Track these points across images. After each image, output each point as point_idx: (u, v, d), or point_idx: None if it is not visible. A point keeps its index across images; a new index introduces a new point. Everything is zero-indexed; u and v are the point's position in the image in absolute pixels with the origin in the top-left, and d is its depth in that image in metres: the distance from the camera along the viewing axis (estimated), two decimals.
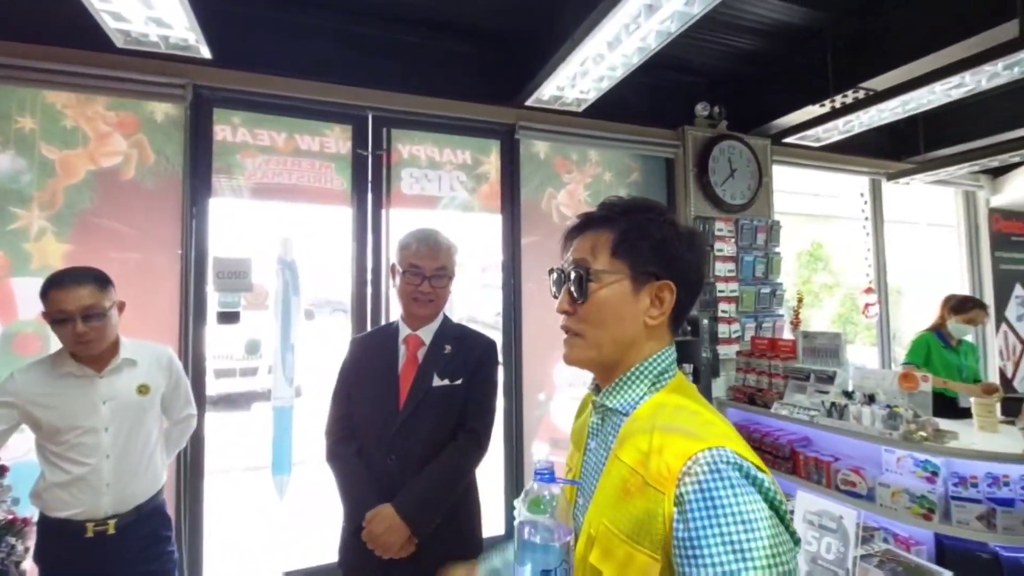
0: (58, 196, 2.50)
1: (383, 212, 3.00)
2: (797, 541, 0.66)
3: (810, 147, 3.87)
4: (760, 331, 3.68)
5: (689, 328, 3.37)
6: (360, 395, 1.44)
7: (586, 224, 0.84)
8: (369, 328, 2.87)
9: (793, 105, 3.35)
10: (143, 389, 1.58)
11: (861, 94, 3.01)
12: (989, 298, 5.01)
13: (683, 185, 3.62)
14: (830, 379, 2.98)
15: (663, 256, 0.79)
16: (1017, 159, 3.65)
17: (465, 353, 1.45)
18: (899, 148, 4.38)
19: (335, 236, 3.03)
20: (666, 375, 0.79)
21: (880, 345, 4.60)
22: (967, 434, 2.56)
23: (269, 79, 2.76)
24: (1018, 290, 5.19)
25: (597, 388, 0.85)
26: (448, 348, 1.45)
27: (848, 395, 2.87)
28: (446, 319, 1.51)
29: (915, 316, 7.35)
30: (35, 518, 1.69)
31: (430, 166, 3.15)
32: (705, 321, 3.40)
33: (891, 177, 4.04)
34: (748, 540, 0.60)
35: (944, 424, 2.61)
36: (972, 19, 2.44)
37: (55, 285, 1.45)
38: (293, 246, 2.89)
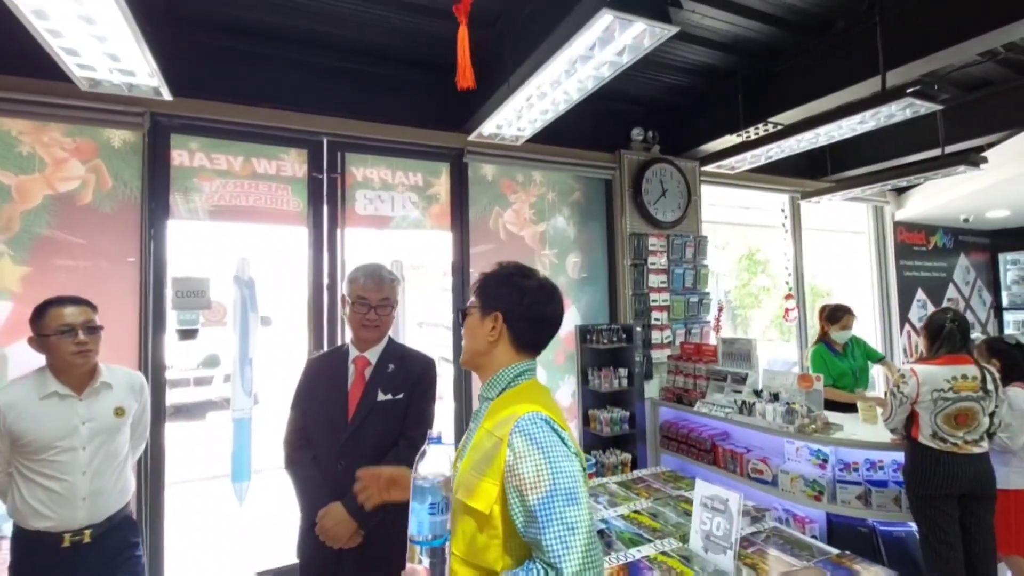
0: (14, 221, 2.57)
1: (338, 231, 3.18)
2: (583, 464, 1.05)
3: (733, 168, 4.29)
4: (689, 336, 4.06)
5: (624, 335, 3.70)
6: (314, 409, 1.66)
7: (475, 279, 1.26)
8: (325, 339, 3.06)
9: (714, 134, 3.73)
10: (119, 411, 1.74)
11: (770, 127, 3.41)
12: (895, 301, 5.61)
13: (620, 204, 3.96)
14: (743, 380, 3.37)
15: (497, 296, 1.17)
16: (916, 181, 4.14)
17: (406, 371, 1.68)
18: (812, 168, 4.87)
19: (292, 254, 3.19)
20: (519, 379, 1.15)
21: (799, 346, 5.10)
22: (853, 426, 2.98)
23: (226, 106, 2.91)
24: (919, 294, 5.82)
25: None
26: (391, 367, 1.68)
27: (758, 394, 3.26)
28: (390, 341, 1.74)
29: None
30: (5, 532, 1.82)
31: (383, 187, 3.35)
32: (639, 328, 3.74)
33: (805, 196, 4.51)
34: (550, 453, 0.99)
35: (834, 417, 3.03)
36: (855, 71, 2.86)
37: (56, 304, 1.65)
38: (250, 265, 3.03)
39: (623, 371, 3.68)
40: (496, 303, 1.17)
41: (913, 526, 2.82)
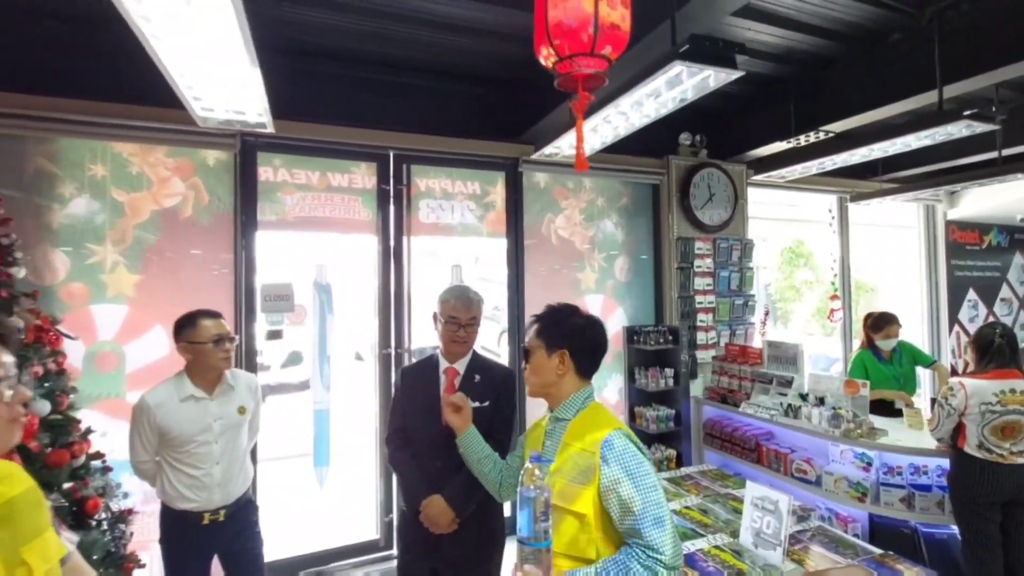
0: (128, 234, 2.91)
1: (404, 239, 3.42)
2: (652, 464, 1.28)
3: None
4: (734, 338, 4.17)
5: (671, 337, 3.85)
6: (412, 413, 1.90)
7: (531, 323, 1.48)
8: (392, 336, 3.33)
9: (764, 140, 3.79)
10: (242, 410, 2.03)
11: (821, 135, 3.46)
12: (944, 301, 5.54)
13: (667, 208, 4.07)
14: (788, 383, 3.48)
15: (560, 337, 1.39)
16: (967, 185, 4.11)
17: (491, 381, 1.91)
18: (863, 168, 4.84)
19: (362, 260, 3.46)
20: (587, 402, 1.39)
21: (843, 346, 5.13)
22: (897, 431, 3.07)
23: (304, 125, 3.16)
24: (970, 294, 5.72)
25: (550, 410, 1.45)
26: (477, 377, 1.90)
27: (803, 397, 3.38)
28: (475, 354, 1.96)
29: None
30: (136, 508, 2.16)
31: (444, 197, 3.57)
32: (685, 330, 3.88)
33: (855, 198, 4.52)
34: (634, 463, 1.22)
35: (879, 423, 3.12)
36: (910, 83, 2.90)
37: (206, 317, 1.95)
38: (327, 271, 3.32)
39: (669, 371, 3.84)
40: (560, 342, 1.38)
41: (955, 529, 2.92)
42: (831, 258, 5.10)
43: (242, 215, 3.07)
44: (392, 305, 3.38)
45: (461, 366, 1.93)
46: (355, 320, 4.56)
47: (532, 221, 3.79)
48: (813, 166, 3.52)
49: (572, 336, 1.38)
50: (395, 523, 1.97)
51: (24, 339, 1.94)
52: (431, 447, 1.84)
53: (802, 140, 3.54)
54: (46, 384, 2.00)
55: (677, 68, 1.65)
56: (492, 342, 5.03)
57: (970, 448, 2.43)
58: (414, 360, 3.31)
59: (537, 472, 1.22)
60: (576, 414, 1.35)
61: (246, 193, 3.09)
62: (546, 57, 1.11)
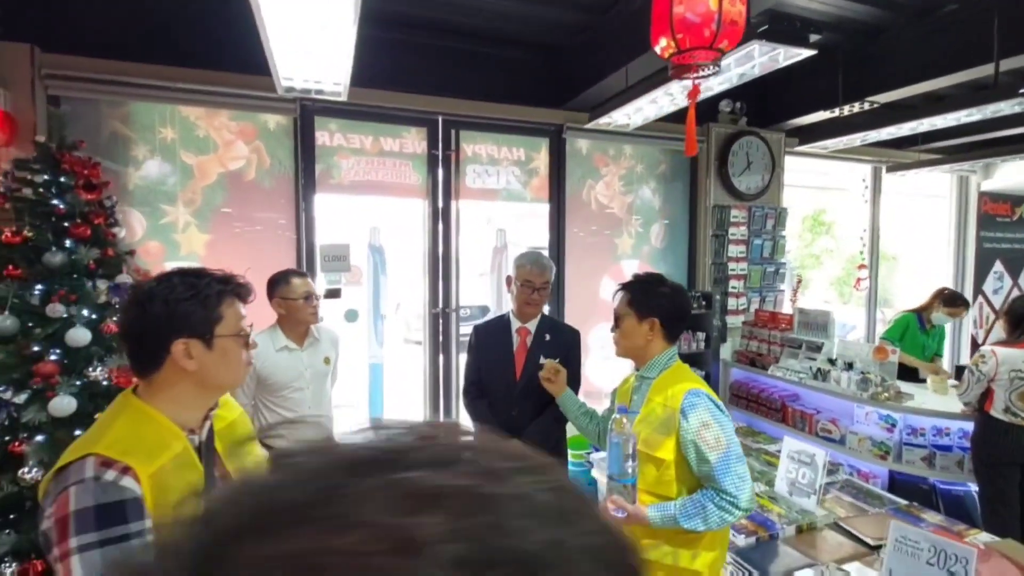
0: (197, 195, 3.06)
1: (452, 203, 3.55)
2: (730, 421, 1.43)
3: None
4: (764, 304, 4.30)
5: (704, 302, 3.99)
6: (487, 368, 2.09)
7: (620, 291, 1.62)
8: (440, 296, 3.50)
9: (807, 108, 3.80)
10: (327, 360, 2.23)
11: (866, 105, 3.47)
12: (971, 271, 5.60)
13: (705, 176, 4.13)
14: (818, 348, 3.64)
15: (651, 306, 1.54)
16: (1009, 157, 4.11)
17: (559, 340, 2.08)
18: (900, 139, 4.82)
19: (412, 224, 3.60)
20: (671, 362, 1.52)
21: (868, 314, 5.24)
22: (921, 396, 3.24)
23: (359, 91, 3.22)
24: (997, 266, 5.77)
25: (636, 369, 1.60)
26: (548, 336, 2.07)
27: (831, 362, 3.54)
28: (543, 315, 2.12)
29: (908, 282, 7.92)
30: None
31: (490, 162, 3.66)
32: (717, 296, 4.02)
33: (892, 169, 4.53)
34: (711, 418, 1.38)
35: (905, 387, 3.29)
36: (965, 55, 2.90)
37: (296, 275, 2.14)
38: (381, 233, 3.46)
39: (701, 335, 4.00)
40: (650, 312, 1.53)
41: (972, 486, 3.12)
42: (861, 227, 5.15)
43: (302, 178, 3.20)
44: (440, 266, 3.54)
45: (532, 326, 2.10)
46: (405, 281, 4.74)
47: (573, 187, 3.88)
48: (858, 138, 3.55)
49: (661, 305, 1.53)
50: None
51: None
52: (507, 398, 2.03)
53: (846, 110, 3.55)
54: None
55: (751, 46, 1.72)
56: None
57: (996, 412, 2.59)
58: (463, 318, 3.50)
59: (624, 421, 1.40)
60: (660, 373, 1.52)
61: (305, 156, 3.21)
62: (664, 49, 1.20)
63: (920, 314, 3.72)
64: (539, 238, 3.88)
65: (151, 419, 0.96)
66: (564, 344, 2.08)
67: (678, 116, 3.99)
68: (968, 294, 5.63)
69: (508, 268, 3.84)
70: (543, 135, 3.74)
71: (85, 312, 2.00)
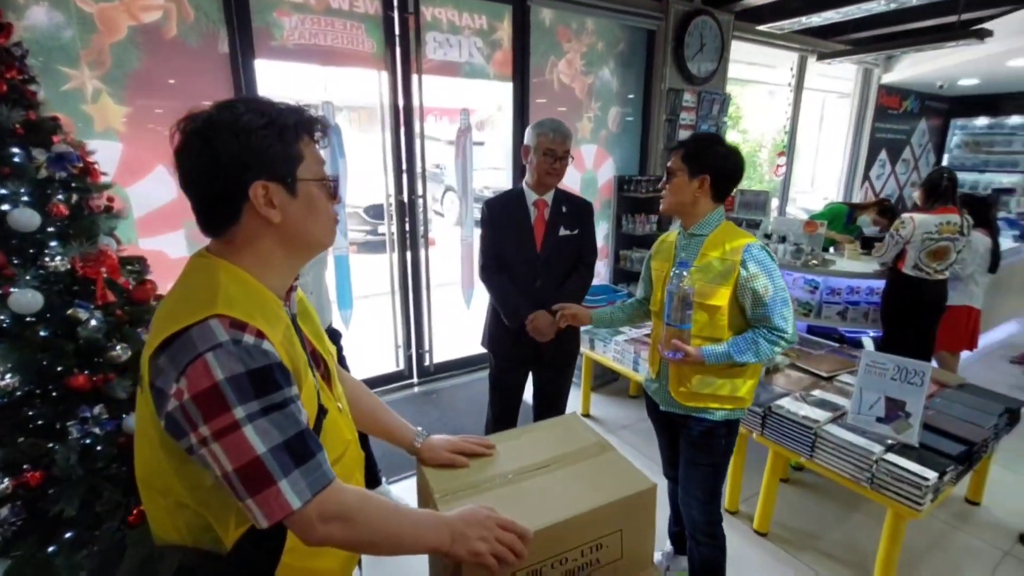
0: (105, 54, 2.48)
1: (413, 76, 3.22)
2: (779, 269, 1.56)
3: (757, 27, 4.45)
4: None
5: (657, 185, 4.15)
6: (506, 241, 2.05)
7: (676, 147, 1.61)
8: (405, 183, 3.30)
9: None
10: None
11: None
12: (863, 159, 6.33)
13: (662, 58, 4.10)
14: (757, 225, 4.01)
15: (704, 163, 1.56)
16: (925, 48, 4.48)
17: (575, 211, 2.07)
18: (827, 29, 5.07)
19: (370, 100, 3.23)
20: (721, 220, 1.60)
21: (782, 197, 5.81)
22: (841, 263, 3.76)
23: None
24: (882, 154, 6.56)
25: (683, 227, 1.65)
26: (564, 208, 2.05)
27: (768, 236, 3.94)
28: (557, 188, 2.09)
29: (806, 171, 8.76)
30: None
31: (451, 30, 3.32)
32: None
33: (822, 56, 4.78)
34: (769, 265, 1.50)
35: (828, 256, 3.79)
36: None
37: None
38: (334, 110, 3.08)
39: (653, 217, 4.22)
40: (703, 169, 1.55)
41: (869, 332, 3.79)
42: (785, 116, 5.52)
43: (236, 36, 2.69)
44: (403, 146, 3.29)
45: (548, 198, 2.07)
46: (365, 164, 4.34)
47: (536, 63, 3.68)
48: (796, 22, 3.67)
49: (714, 164, 1.55)
50: (487, 340, 2.23)
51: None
52: (530, 270, 2.04)
53: None
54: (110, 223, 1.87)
55: None
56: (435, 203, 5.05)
57: (907, 269, 3.09)
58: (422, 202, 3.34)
59: (685, 275, 1.49)
60: (713, 230, 1.59)
61: (238, 9, 2.68)
62: None
63: (852, 210, 4.21)
64: (503, 123, 3.71)
65: (247, 282, 0.79)
66: (580, 215, 2.09)
67: None
68: (858, 180, 6.42)
69: (472, 152, 3.69)
70: (506, 0, 3.43)
71: (23, 190, 1.62)
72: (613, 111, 4.18)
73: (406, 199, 3.38)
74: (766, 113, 10.06)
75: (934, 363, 3.41)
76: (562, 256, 2.05)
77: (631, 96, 4.25)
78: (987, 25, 3.91)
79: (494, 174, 8.57)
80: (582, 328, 2.20)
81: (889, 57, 5.86)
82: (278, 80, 2.95)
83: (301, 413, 0.75)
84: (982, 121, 7.40)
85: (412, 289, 3.54)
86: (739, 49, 4.85)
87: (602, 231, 4.39)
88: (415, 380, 3.70)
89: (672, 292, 1.51)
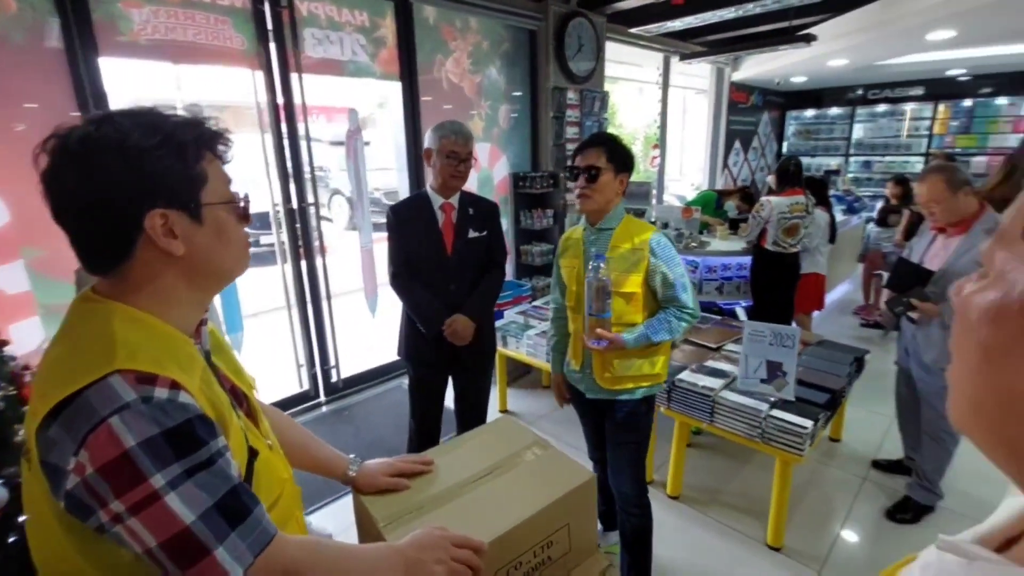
0: None
1: (292, 75, 3.01)
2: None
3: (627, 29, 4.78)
4: None
5: (551, 181, 4.31)
6: (415, 247, 1.99)
7: (592, 147, 1.67)
8: (293, 190, 3.09)
9: None
10: None
11: None
12: (722, 149, 7.08)
13: (545, 56, 4.24)
14: (641, 214, 4.33)
15: (624, 163, 1.67)
16: (767, 50, 5.10)
17: (483, 213, 2.08)
18: (687, 32, 5.58)
19: (238, 99, 2.96)
20: (624, 214, 1.71)
21: (658, 187, 6.31)
22: (714, 244, 4.19)
23: None
24: (736, 144, 7.39)
25: (590, 224, 1.72)
26: (471, 210, 2.05)
27: (652, 224, 4.27)
28: (462, 190, 2.08)
29: (674, 161, 9.57)
30: None
31: (331, 26, 3.14)
32: (562, 174, 4.38)
33: (684, 57, 5.26)
34: (672, 252, 1.65)
35: (704, 239, 4.20)
36: None
37: None
38: (203, 112, 2.76)
39: (549, 211, 4.37)
40: (625, 167, 1.67)
41: (742, 303, 4.28)
42: (656, 112, 5.99)
43: (75, 31, 2.32)
44: (287, 152, 3.07)
45: (455, 201, 2.05)
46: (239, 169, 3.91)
47: (423, 61, 3.62)
48: (660, 27, 4.01)
49: (630, 163, 1.66)
50: (402, 349, 2.16)
51: None
52: (442, 275, 2.01)
53: None
54: None
55: None
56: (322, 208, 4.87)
57: (768, 245, 3.53)
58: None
59: (602, 266, 1.57)
60: (619, 223, 1.69)
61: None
62: None
63: (720, 197, 4.70)
64: (386, 121, 3.60)
65: (150, 325, 0.68)
66: (487, 216, 2.10)
67: None
68: (719, 168, 7.17)
69: (364, 154, 3.55)
70: None
71: None
72: (503, 109, 4.25)
73: (296, 206, 3.16)
74: (636, 109, 10.82)
75: (794, 325, 3.94)
76: (473, 258, 2.05)
77: (519, 94, 4.35)
78: (812, 30, 4.56)
79: (383, 175, 8.31)
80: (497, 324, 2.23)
81: (737, 58, 6.61)
82: (136, 79, 2.58)
83: (231, 466, 0.67)
84: (810, 112, 8.66)
85: (311, 302, 3.32)
86: (611, 49, 5.18)
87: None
88: (323, 399, 3.49)
89: (591, 283, 1.58)
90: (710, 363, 2.59)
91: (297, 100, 3.05)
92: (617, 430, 1.79)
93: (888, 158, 8.23)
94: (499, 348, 3.19)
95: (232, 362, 0.89)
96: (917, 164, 7.82)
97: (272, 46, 2.92)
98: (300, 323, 3.33)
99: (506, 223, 4.45)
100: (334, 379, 3.50)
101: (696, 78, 7.20)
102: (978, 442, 0.32)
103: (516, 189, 4.34)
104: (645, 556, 1.90)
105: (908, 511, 2.36)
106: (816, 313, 4.19)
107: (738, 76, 6.74)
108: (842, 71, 6.51)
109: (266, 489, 0.78)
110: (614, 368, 1.71)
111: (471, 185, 4.03)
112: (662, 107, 6.02)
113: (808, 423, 2.05)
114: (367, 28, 3.30)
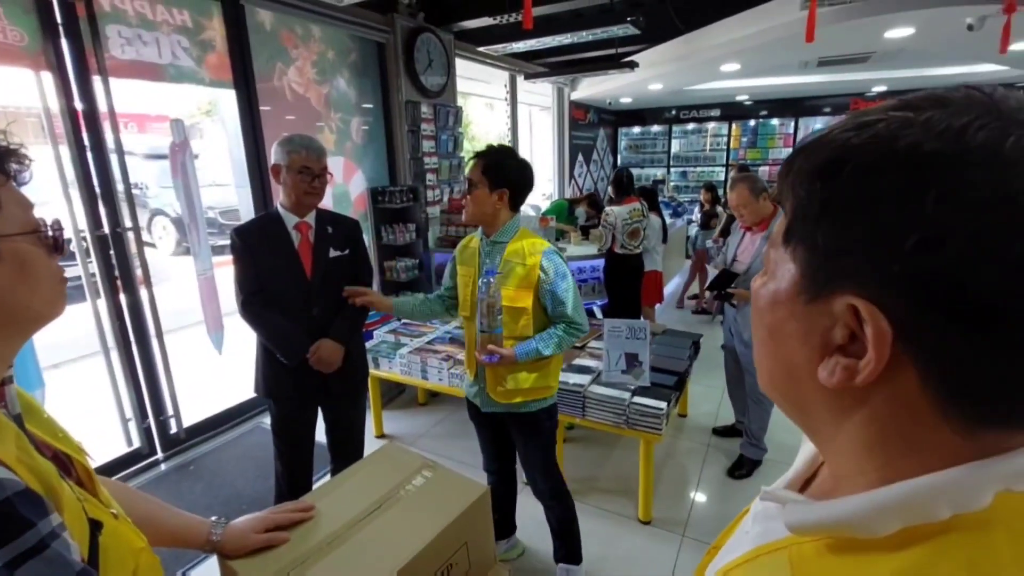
0: None
1: (95, 79, 2.55)
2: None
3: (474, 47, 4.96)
4: (454, 194, 4.89)
5: (411, 195, 4.25)
6: (269, 274, 1.80)
7: (474, 157, 1.70)
8: (101, 208, 2.63)
9: (476, 13, 4.24)
10: None
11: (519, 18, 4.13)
12: (567, 162, 7.64)
13: (395, 70, 4.19)
14: None
15: (503, 177, 1.69)
16: (606, 73, 5.62)
17: (343, 231, 1.95)
18: (530, 54, 5.93)
19: (21, 104, 2.43)
20: (517, 227, 1.75)
21: None
22: (571, 250, 4.50)
23: None
24: (580, 157, 8.05)
25: (485, 235, 1.74)
26: (330, 229, 1.91)
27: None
28: (318, 208, 1.93)
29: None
30: None
31: (143, 25, 2.74)
32: (420, 188, 4.34)
33: (528, 77, 5.58)
34: (562, 271, 1.69)
35: (560, 245, 4.49)
36: None
37: None
38: None
39: (412, 226, 4.31)
40: (502, 183, 1.66)
41: (598, 302, 4.65)
42: (506, 127, 6.26)
43: None
44: (92, 166, 2.59)
45: (311, 219, 1.91)
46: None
47: (262, 70, 3.33)
48: (505, 47, 4.23)
49: (511, 178, 1.66)
50: (260, 385, 1.95)
51: None
52: (303, 300, 1.86)
53: (509, 19, 4.16)
54: None
55: None
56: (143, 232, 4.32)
57: (617, 249, 3.90)
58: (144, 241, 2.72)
59: (492, 281, 1.59)
60: (512, 237, 1.70)
61: None
62: None
63: (571, 204, 5.05)
64: (217, 132, 3.25)
65: None
66: (349, 234, 2.00)
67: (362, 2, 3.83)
68: (566, 180, 7.73)
69: (195, 169, 3.15)
70: None
71: None
72: (355, 122, 4.09)
73: (108, 231, 2.68)
74: (487, 123, 11.21)
75: (642, 318, 4.39)
76: (336, 279, 1.93)
77: (371, 106, 4.23)
78: (635, 58, 5.16)
79: (218, 191, 7.47)
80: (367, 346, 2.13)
81: (574, 79, 7.21)
82: None
83: (70, 548, 0.55)
84: (637, 129, 9.78)
85: (136, 343, 2.83)
86: (461, 65, 5.30)
87: None
88: (160, 455, 2.99)
89: (482, 299, 1.58)
90: (577, 361, 2.76)
91: (103, 107, 2.59)
92: (521, 437, 1.85)
93: (699, 168, 9.65)
94: (371, 371, 3.05)
95: (49, 425, 0.73)
96: (721, 173, 9.31)
97: (63, 42, 2.45)
98: (124, 369, 2.82)
99: (368, 240, 4.28)
100: (173, 430, 3.02)
101: (540, 96, 7.69)
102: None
103: (375, 204, 4.20)
104: (573, 541, 2.01)
105: (743, 467, 2.77)
106: (658, 305, 4.72)
107: (576, 95, 7.35)
108: (659, 94, 7.49)
109: (118, 565, 0.66)
110: (506, 383, 1.73)
111: (327, 202, 3.80)
112: (511, 122, 6.31)
113: (663, 404, 2.30)
114: (190, 29, 2.94)
